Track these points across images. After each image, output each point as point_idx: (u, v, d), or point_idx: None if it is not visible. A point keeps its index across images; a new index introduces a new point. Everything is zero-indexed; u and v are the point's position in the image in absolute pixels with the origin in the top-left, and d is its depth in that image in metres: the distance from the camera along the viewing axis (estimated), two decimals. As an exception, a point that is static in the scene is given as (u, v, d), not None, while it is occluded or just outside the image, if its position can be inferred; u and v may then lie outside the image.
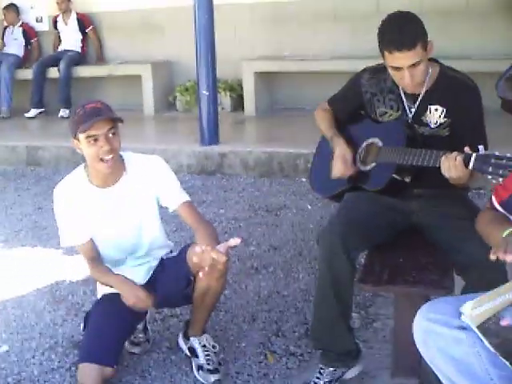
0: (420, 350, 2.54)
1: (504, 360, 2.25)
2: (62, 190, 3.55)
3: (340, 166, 3.54)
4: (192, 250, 3.43)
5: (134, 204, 3.56)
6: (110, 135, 3.32)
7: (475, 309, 2.33)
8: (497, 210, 2.74)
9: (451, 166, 2.99)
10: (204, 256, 3.22)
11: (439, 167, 3.07)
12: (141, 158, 3.63)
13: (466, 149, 2.97)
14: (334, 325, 3.38)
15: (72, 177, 3.57)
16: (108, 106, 3.40)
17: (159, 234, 3.74)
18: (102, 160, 3.35)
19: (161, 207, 3.66)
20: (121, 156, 3.54)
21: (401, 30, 3.21)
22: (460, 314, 2.39)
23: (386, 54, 3.24)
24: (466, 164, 2.95)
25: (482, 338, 2.29)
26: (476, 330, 2.30)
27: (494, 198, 2.74)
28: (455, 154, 2.99)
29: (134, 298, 3.42)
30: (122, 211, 3.55)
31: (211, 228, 3.58)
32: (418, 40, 3.18)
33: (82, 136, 3.30)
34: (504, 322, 2.28)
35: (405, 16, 3.30)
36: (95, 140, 3.30)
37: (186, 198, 3.63)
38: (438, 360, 2.47)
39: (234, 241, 3.25)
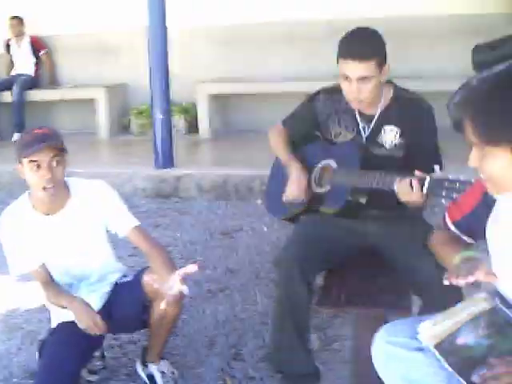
0: (379, 372, 2.55)
1: (461, 379, 2.26)
2: (6, 218, 3.49)
3: (294, 190, 3.55)
4: (149, 278, 3.41)
5: (80, 230, 3.51)
6: (54, 163, 3.27)
7: (431, 328, 2.35)
8: (449, 229, 2.76)
9: (406, 190, 3.00)
10: (159, 286, 3.22)
11: (394, 191, 3.08)
12: (86, 184, 3.58)
13: (417, 173, 2.99)
14: (294, 349, 3.39)
15: (16, 204, 3.52)
16: (57, 133, 3.36)
17: (109, 259, 3.70)
18: (43, 188, 3.30)
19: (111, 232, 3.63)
20: (65, 182, 3.50)
21: (360, 41, 3.26)
22: (417, 333, 2.40)
23: (341, 61, 3.26)
24: (421, 187, 2.96)
25: (439, 357, 2.30)
26: (433, 350, 2.31)
27: (447, 217, 2.76)
28: (409, 178, 3.00)
29: (89, 322, 3.36)
30: (68, 238, 3.50)
31: (164, 252, 3.53)
32: (374, 56, 3.20)
33: (25, 161, 3.25)
34: (460, 341, 2.29)
35: (369, 31, 3.32)
36: (38, 166, 3.24)
37: (135, 222, 3.58)
38: (396, 383, 2.48)
39: (192, 267, 3.22)
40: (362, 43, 3.25)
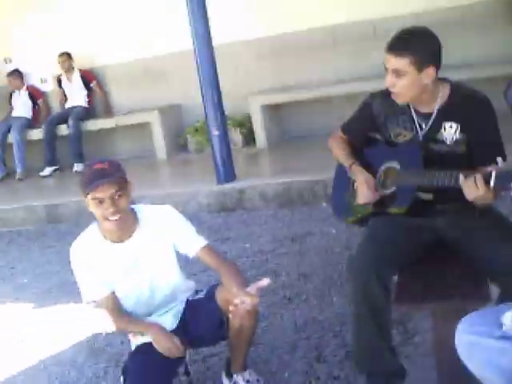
0: (466, 363, 2.53)
1: None
2: (77, 247, 3.56)
3: (365, 192, 3.55)
4: (223, 294, 3.46)
5: (150, 256, 3.57)
6: (116, 197, 3.33)
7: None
8: None
9: (472, 187, 2.97)
10: (233, 302, 3.25)
11: (461, 188, 3.06)
12: (152, 210, 3.64)
13: (484, 168, 2.98)
14: (377, 349, 3.40)
15: (86, 234, 3.58)
16: (116, 165, 3.40)
17: (179, 280, 3.74)
18: (109, 220, 3.37)
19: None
20: (133, 209, 3.57)
21: (400, 37, 3.28)
22: (501, 324, 2.39)
23: (385, 53, 3.30)
24: (487, 182, 2.93)
25: None
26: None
27: None
28: (474, 175, 2.98)
29: (167, 345, 3.43)
30: (138, 264, 3.56)
31: (234, 267, 3.59)
32: (408, 53, 3.20)
33: (88, 196, 3.32)
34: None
35: (416, 29, 3.33)
36: (100, 202, 3.32)
37: (204, 242, 3.64)
38: (484, 372, 2.46)
39: (265, 281, 3.27)
40: (401, 38, 3.27)
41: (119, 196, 3.34)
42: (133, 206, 3.57)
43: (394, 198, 3.52)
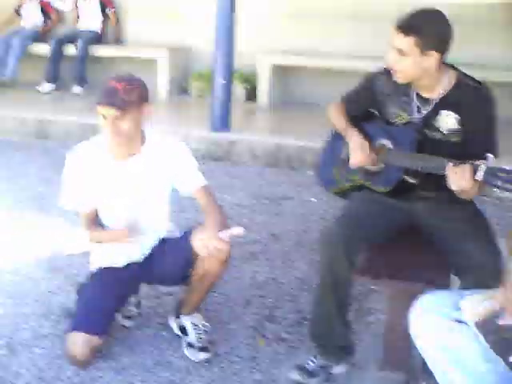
0: (414, 339, 2.58)
1: (498, 356, 2.27)
2: (77, 153, 3.57)
3: (359, 155, 3.50)
4: (201, 235, 3.45)
5: (146, 180, 3.58)
6: (117, 119, 3.33)
7: (474, 305, 2.36)
8: None
9: (459, 176, 2.97)
10: (206, 244, 3.29)
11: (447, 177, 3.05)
12: (162, 138, 3.65)
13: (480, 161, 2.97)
14: (333, 324, 3.42)
15: (92, 142, 3.60)
16: (130, 88, 3.35)
17: (163, 215, 3.76)
18: (110, 138, 3.39)
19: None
20: (142, 131, 3.56)
21: (408, 16, 3.23)
22: (458, 307, 2.41)
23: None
24: (474, 175, 2.93)
25: (479, 334, 2.31)
26: (473, 327, 2.32)
27: None
28: (462, 165, 2.98)
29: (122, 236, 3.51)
30: (132, 185, 3.57)
31: (221, 215, 3.59)
32: (414, 34, 3.16)
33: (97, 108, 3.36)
34: (501, 321, 2.29)
35: (428, 11, 3.28)
36: (104, 118, 3.34)
37: (204, 182, 3.65)
38: (431, 350, 2.51)
39: (238, 230, 3.29)
40: (410, 18, 3.23)
41: (120, 120, 3.34)
42: (144, 130, 3.58)
43: (380, 175, 3.50)
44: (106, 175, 3.54)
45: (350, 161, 3.55)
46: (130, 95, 3.34)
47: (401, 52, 3.22)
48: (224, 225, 3.48)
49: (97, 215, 3.63)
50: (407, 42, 3.18)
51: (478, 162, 2.96)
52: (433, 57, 3.21)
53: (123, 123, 3.35)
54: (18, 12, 10.83)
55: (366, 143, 3.53)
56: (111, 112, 3.31)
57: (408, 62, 3.23)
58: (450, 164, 3.03)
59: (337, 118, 3.76)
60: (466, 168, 2.96)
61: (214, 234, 3.33)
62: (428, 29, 3.20)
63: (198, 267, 3.55)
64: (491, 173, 2.88)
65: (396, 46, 3.23)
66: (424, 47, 3.18)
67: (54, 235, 5.23)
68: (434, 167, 3.14)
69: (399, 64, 3.26)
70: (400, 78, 3.34)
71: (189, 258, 3.56)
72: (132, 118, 3.37)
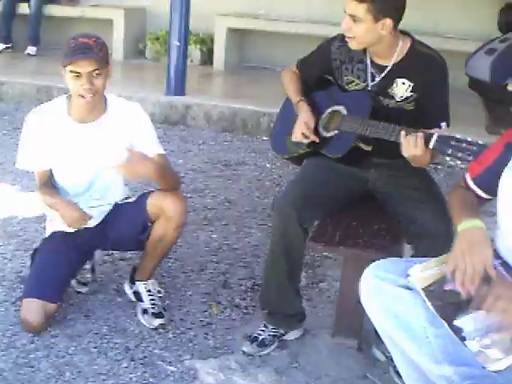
0: (364, 305, 2.63)
1: (443, 321, 2.33)
2: (38, 114, 3.55)
3: (301, 131, 3.53)
4: (155, 199, 3.51)
5: (104, 144, 3.56)
6: (94, 75, 3.31)
7: (422, 272, 2.42)
8: (467, 187, 2.78)
9: (411, 144, 3.01)
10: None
11: (400, 143, 3.09)
12: (123, 103, 3.63)
13: (433, 129, 3.01)
14: (283, 290, 3.45)
15: (52, 104, 3.58)
16: (101, 44, 3.36)
17: (119, 180, 3.74)
18: (81, 96, 3.36)
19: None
20: (105, 96, 3.55)
21: None
22: (407, 275, 2.46)
23: None
24: (427, 143, 2.97)
25: (426, 299, 2.36)
26: (421, 292, 2.37)
27: (467, 174, 2.77)
28: (416, 133, 3.01)
29: (72, 215, 3.47)
30: (91, 149, 3.55)
31: (175, 180, 3.61)
32: (370, 1, 3.17)
33: (66, 68, 3.31)
34: (447, 287, 2.35)
35: None
36: (78, 77, 3.31)
37: (161, 151, 3.63)
38: (380, 316, 2.57)
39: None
40: None
41: (97, 75, 3.32)
42: (106, 94, 3.56)
43: (334, 142, 3.52)
44: (65, 137, 3.52)
45: (293, 135, 3.58)
46: (102, 51, 3.34)
47: (354, 19, 3.23)
48: (176, 187, 3.55)
49: (51, 178, 3.62)
50: (360, 9, 3.20)
51: (430, 131, 3.00)
52: (386, 24, 3.23)
53: (98, 80, 3.34)
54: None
55: (312, 122, 3.54)
56: (89, 67, 3.28)
57: (361, 29, 3.25)
58: (403, 132, 3.07)
59: (290, 87, 3.75)
60: (418, 136, 2.99)
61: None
62: None
63: (153, 232, 3.57)
64: (443, 141, 2.92)
65: (350, 12, 3.24)
66: (377, 14, 3.20)
67: (7, 201, 5.19)
68: (387, 134, 3.17)
69: (353, 31, 3.28)
70: (354, 44, 3.35)
71: (144, 223, 3.58)
72: (104, 76, 3.37)
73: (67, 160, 3.57)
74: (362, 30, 3.25)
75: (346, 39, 3.37)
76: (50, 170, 3.60)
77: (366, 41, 3.31)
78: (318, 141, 3.54)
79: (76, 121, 3.52)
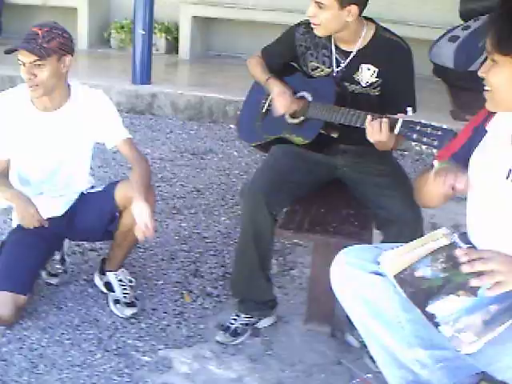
0: (336, 292, 2.63)
1: (415, 307, 2.35)
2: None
3: (283, 102, 3.51)
4: (124, 190, 3.49)
5: (68, 132, 3.54)
6: (34, 67, 3.29)
7: (392, 259, 2.43)
8: None
9: (376, 129, 3.02)
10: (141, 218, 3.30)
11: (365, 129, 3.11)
12: (86, 90, 3.61)
13: (398, 114, 3.03)
14: (254, 276, 3.47)
15: (15, 91, 3.54)
16: (53, 35, 3.31)
17: (83, 169, 3.73)
18: (29, 86, 3.35)
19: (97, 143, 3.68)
20: (69, 85, 3.53)
21: None
22: (377, 261, 2.47)
23: None
24: (392, 128, 2.98)
25: (397, 286, 2.38)
26: (392, 280, 2.39)
27: (436, 161, 2.77)
28: (380, 118, 3.03)
29: (24, 214, 3.43)
30: (54, 137, 3.53)
31: (147, 170, 3.57)
32: None
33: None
34: (418, 273, 2.37)
35: None
36: (23, 65, 3.30)
37: (127, 135, 3.63)
38: (352, 302, 2.57)
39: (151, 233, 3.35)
40: None
41: (38, 66, 3.29)
42: (69, 82, 3.53)
43: (300, 128, 3.53)
44: (28, 125, 3.50)
45: (275, 108, 3.56)
46: (50, 42, 3.30)
47: (320, 5, 3.24)
48: (148, 179, 3.51)
49: (8, 168, 3.57)
50: None
51: (395, 116, 3.01)
52: (352, 10, 3.24)
53: (41, 71, 3.30)
54: None
55: (288, 91, 3.54)
56: (29, 58, 3.26)
57: (327, 16, 3.26)
58: (369, 117, 3.08)
59: (257, 69, 3.75)
60: (383, 121, 3.00)
61: (137, 192, 3.34)
62: None
63: (121, 223, 3.56)
64: (408, 126, 2.93)
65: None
66: (343, 1, 3.21)
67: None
68: (353, 120, 3.18)
69: (318, 17, 3.29)
70: (319, 31, 3.36)
71: (112, 213, 3.58)
72: (51, 68, 3.33)
73: (30, 148, 3.54)
74: (328, 17, 3.26)
75: (312, 26, 3.37)
76: (8, 161, 3.55)
77: (332, 27, 3.32)
78: (300, 108, 3.52)
79: (39, 109, 3.50)
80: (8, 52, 3.29)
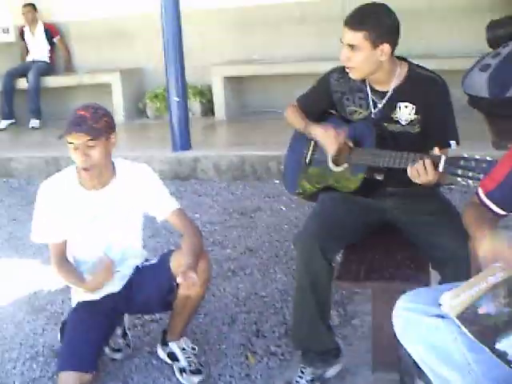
0: (400, 339, 2.60)
1: (482, 345, 2.31)
2: (49, 186, 3.54)
3: (332, 140, 3.48)
4: (178, 259, 3.49)
5: (117, 209, 3.57)
6: (88, 147, 3.33)
7: (453, 299, 2.39)
8: (481, 202, 2.76)
9: (420, 171, 3.01)
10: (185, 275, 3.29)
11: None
12: (130, 166, 3.64)
13: (435, 150, 3.02)
14: (314, 325, 3.43)
15: (62, 175, 3.58)
16: (99, 115, 3.37)
17: (136, 243, 3.76)
18: (82, 168, 3.39)
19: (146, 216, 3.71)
20: (112, 162, 3.57)
21: (358, 11, 3.30)
22: (438, 303, 2.44)
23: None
24: (436, 167, 2.98)
25: (462, 326, 2.35)
26: (456, 320, 2.36)
27: (480, 189, 2.75)
28: (423, 159, 3.01)
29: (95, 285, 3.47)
30: (105, 215, 3.56)
31: (197, 238, 3.59)
32: (364, 28, 3.22)
33: (66, 140, 3.34)
34: (481, 310, 2.34)
35: (375, 5, 3.35)
36: (75, 148, 3.33)
37: (176, 205, 3.65)
38: (418, 349, 2.54)
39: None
40: (359, 13, 3.29)
41: (91, 147, 3.33)
42: (113, 159, 3.58)
43: (345, 175, 3.52)
44: (78, 206, 3.53)
45: (325, 147, 3.55)
46: (99, 122, 3.34)
47: (353, 48, 3.27)
48: (200, 247, 3.53)
49: (67, 250, 3.61)
50: (358, 37, 3.24)
51: (437, 153, 3.00)
52: (385, 49, 3.26)
53: (94, 152, 3.35)
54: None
55: (332, 129, 3.52)
56: (82, 139, 3.31)
57: (361, 57, 3.28)
58: (411, 157, 3.07)
59: (295, 119, 3.78)
60: (426, 162, 3.00)
61: (187, 260, 3.36)
62: (376, 21, 3.26)
63: (179, 292, 3.55)
64: (451, 163, 2.92)
65: (348, 41, 3.28)
66: (375, 40, 3.23)
67: (31, 275, 5.20)
68: (396, 162, 3.17)
69: (353, 60, 3.31)
70: (354, 74, 3.38)
71: (170, 284, 3.56)
72: (102, 146, 3.37)
73: (82, 228, 3.57)
74: (362, 59, 3.29)
75: (347, 70, 3.40)
76: (65, 243, 3.59)
77: (367, 69, 3.34)
78: (349, 142, 3.51)
79: (87, 189, 3.53)
80: (61, 137, 3.34)
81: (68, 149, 3.37)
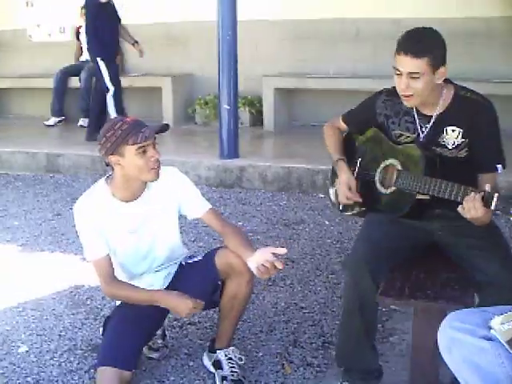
0: (445, 358, 2.57)
1: None
2: (84, 203, 3.52)
3: (346, 193, 3.56)
4: (225, 257, 3.51)
5: (155, 217, 3.59)
6: (156, 145, 3.39)
7: (504, 324, 2.38)
8: None
9: (471, 207, 2.95)
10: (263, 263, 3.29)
11: (459, 202, 3.02)
12: (161, 171, 3.63)
13: (487, 186, 2.95)
14: (360, 345, 3.43)
15: (94, 191, 3.56)
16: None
17: (177, 242, 3.77)
18: (152, 169, 3.39)
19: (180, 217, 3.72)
20: None
21: (415, 38, 3.23)
22: (487, 325, 2.43)
23: (395, 55, 3.24)
24: (488, 204, 2.91)
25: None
26: (505, 345, 2.34)
27: None
28: (474, 194, 2.94)
29: (187, 310, 3.41)
30: (143, 225, 3.57)
31: (240, 232, 3.62)
32: (427, 54, 3.16)
33: (131, 148, 3.32)
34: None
35: (428, 30, 3.30)
36: (144, 152, 3.35)
37: (209, 205, 3.69)
38: (462, 368, 2.51)
39: (282, 250, 3.33)
40: (416, 40, 3.22)
41: (156, 144, 3.41)
42: None
43: (392, 201, 3.50)
44: (116, 218, 3.53)
45: (339, 198, 3.62)
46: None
47: (414, 75, 3.19)
48: (246, 240, 3.55)
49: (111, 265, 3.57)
50: (421, 64, 3.16)
51: (488, 189, 2.93)
52: (442, 72, 3.23)
53: (158, 150, 3.41)
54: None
55: (353, 182, 3.56)
56: (153, 138, 3.36)
57: (422, 84, 3.21)
58: (461, 190, 3.02)
59: (331, 144, 3.80)
60: (477, 198, 2.93)
61: (244, 252, 3.39)
62: (436, 45, 3.23)
63: (226, 290, 3.58)
64: (504, 200, 2.86)
65: (408, 70, 3.19)
66: (435, 65, 3.19)
67: (73, 270, 5.26)
68: (446, 194, 3.10)
69: (413, 87, 3.23)
70: (413, 101, 3.30)
71: (215, 282, 3.59)
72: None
73: (123, 242, 3.58)
74: (423, 85, 3.22)
75: (404, 99, 3.32)
76: (109, 257, 3.55)
77: (425, 94, 3.27)
78: (361, 201, 3.57)
79: (122, 200, 3.53)
80: (136, 142, 3.33)
81: (124, 161, 3.36)
